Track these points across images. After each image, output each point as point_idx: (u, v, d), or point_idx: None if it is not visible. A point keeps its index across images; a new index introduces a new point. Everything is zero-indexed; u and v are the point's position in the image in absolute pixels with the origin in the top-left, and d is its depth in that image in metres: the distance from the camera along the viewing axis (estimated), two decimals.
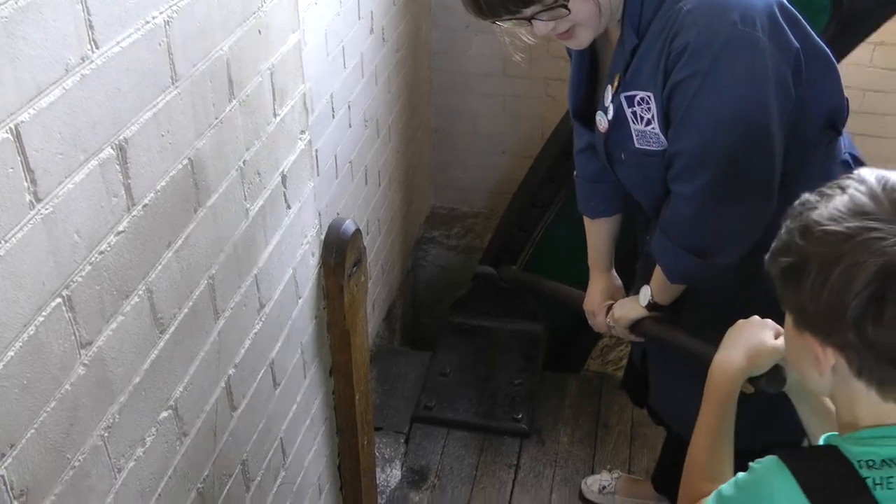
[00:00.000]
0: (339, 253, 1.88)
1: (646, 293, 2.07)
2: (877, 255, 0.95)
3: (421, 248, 4.00)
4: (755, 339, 1.37)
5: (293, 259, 1.74)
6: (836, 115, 1.84)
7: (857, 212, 0.99)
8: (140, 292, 1.17)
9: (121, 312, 1.14)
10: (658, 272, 1.98)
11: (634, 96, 1.76)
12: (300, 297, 1.80)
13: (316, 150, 2.26)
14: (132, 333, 1.17)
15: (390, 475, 3.05)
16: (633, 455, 3.06)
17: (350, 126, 2.63)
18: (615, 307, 2.21)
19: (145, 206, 1.16)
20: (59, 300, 1.01)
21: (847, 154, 1.91)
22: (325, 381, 2.05)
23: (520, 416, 3.18)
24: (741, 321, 1.44)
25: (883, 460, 1.03)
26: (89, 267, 1.06)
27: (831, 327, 1.01)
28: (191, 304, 1.32)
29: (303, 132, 1.71)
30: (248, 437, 1.64)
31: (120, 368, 1.15)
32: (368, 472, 2.42)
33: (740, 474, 1.17)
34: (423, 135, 3.72)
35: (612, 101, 1.81)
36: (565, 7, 1.63)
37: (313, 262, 1.85)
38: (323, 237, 1.88)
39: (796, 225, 1.06)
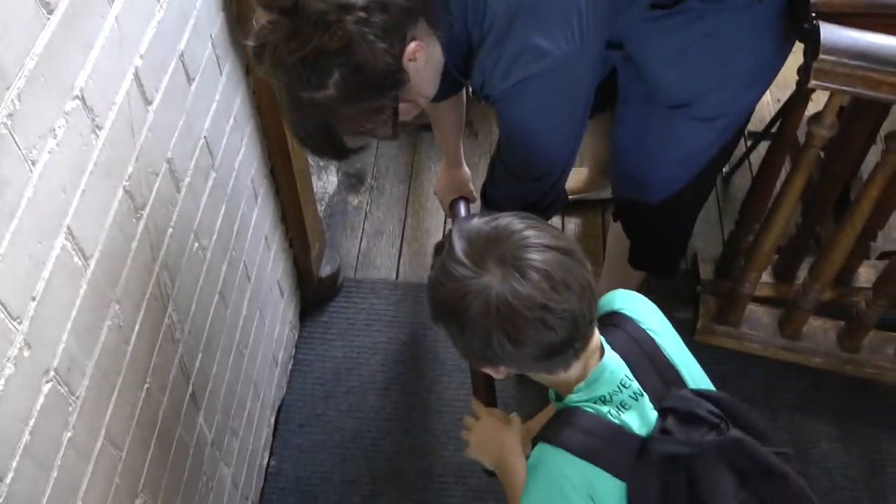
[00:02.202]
0: None
1: None
2: (480, 299, 1.26)
3: None
4: (504, 446, 1.62)
5: None
6: None
7: (452, 277, 1.28)
8: None
9: None
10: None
11: None
12: None
13: None
14: (14, 13, 1.07)
15: (327, 182, 3.06)
16: None
17: None
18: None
19: None
20: None
21: None
22: (244, 79, 1.98)
23: None
24: (481, 425, 1.69)
25: (598, 398, 1.37)
26: None
27: (484, 359, 1.34)
28: None
29: None
30: (169, 134, 1.59)
31: (9, 50, 1.07)
32: (303, 175, 2.40)
33: (528, 480, 1.41)
34: None
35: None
36: (393, 137, 1.65)
37: None
38: None
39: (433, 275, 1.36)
